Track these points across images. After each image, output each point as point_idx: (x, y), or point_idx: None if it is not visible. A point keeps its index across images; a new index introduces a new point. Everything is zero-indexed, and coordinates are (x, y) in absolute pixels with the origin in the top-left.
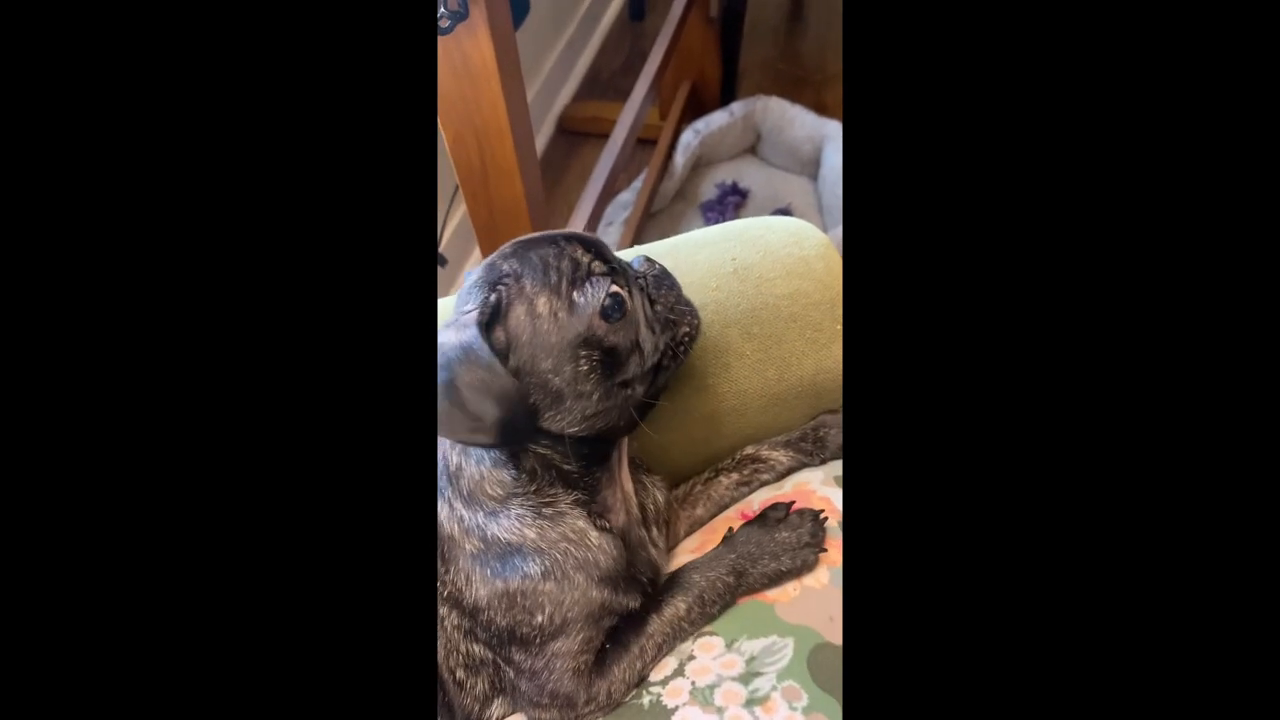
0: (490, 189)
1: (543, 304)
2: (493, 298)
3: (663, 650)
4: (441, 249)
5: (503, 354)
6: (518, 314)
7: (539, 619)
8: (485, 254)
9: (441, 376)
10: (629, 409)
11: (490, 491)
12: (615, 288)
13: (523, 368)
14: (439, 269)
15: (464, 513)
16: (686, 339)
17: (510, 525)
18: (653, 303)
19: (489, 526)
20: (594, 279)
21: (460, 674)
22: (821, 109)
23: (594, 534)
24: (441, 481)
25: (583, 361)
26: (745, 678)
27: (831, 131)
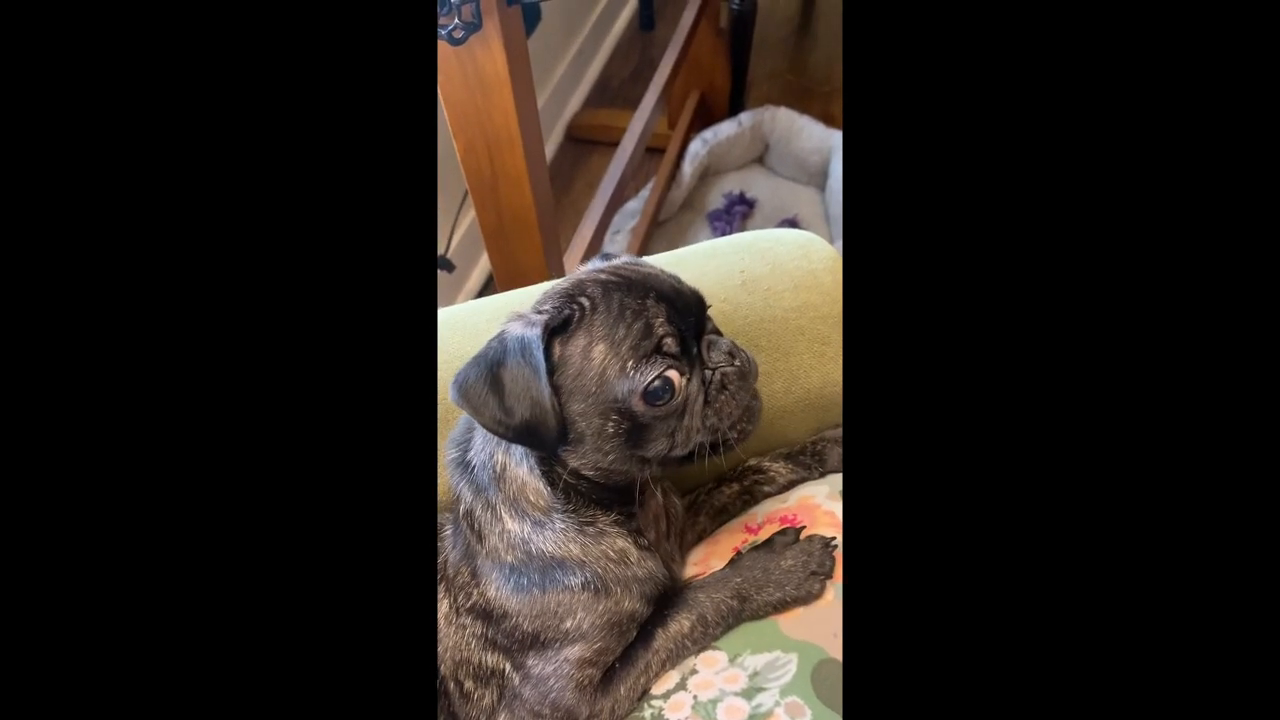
0: (499, 196)
1: (598, 352)
2: (566, 312)
3: (665, 666)
4: (449, 254)
5: (551, 367)
6: (576, 345)
7: (568, 624)
8: (493, 260)
9: (493, 358)
10: (643, 474)
11: (533, 500)
12: (672, 375)
13: (560, 393)
14: (446, 274)
15: (510, 525)
16: (724, 444)
17: (556, 538)
18: (709, 401)
19: (534, 540)
20: (655, 359)
21: (469, 685)
22: (829, 120)
23: (635, 552)
24: (484, 478)
25: (610, 424)
26: (748, 693)
27: (839, 143)
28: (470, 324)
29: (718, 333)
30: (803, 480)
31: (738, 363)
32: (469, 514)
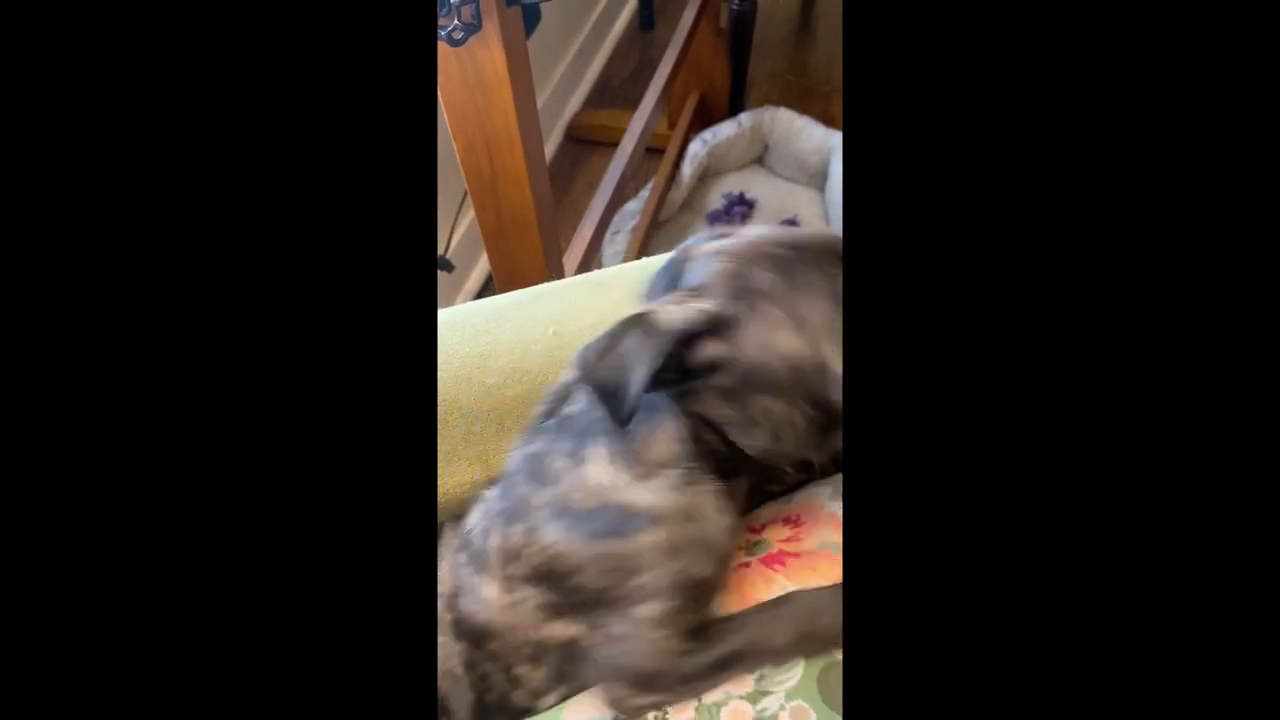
0: (499, 197)
1: (784, 341)
2: (731, 311)
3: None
4: (448, 254)
5: (696, 370)
6: (747, 339)
7: (638, 580)
8: (492, 261)
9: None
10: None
11: (657, 457)
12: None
13: (738, 392)
14: (445, 274)
15: (597, 472)
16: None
17: (656, 492)
18: None
19: (624, 491)
20: None
21: (521, 669)
22: (829, 121)
23: (718, 519)
24: (594, 428)
25: (800, 415)
26: (753, 696)
27: (839, 143)
28: (469, 324)
29: None
30: (803, 483)
31: None
32: (538, 458)
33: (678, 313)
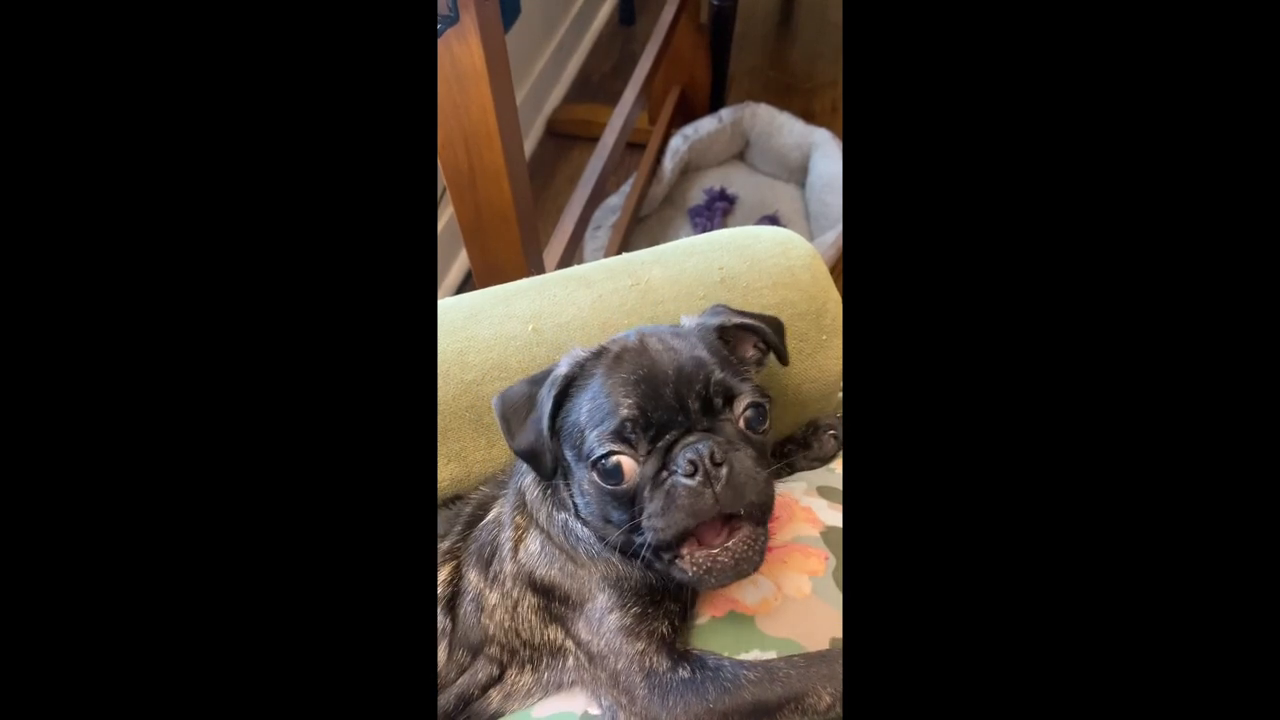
0: (478, 192)
1: (584, 410)
2: (567, 371)
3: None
4: None
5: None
6: (573, 398)
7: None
8: (471, 255)
9: (537, 380)
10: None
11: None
12: (621, 460)
13: (559, 435)
14: None
15: (548, 509)
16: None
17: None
18: (651, 502)
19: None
20: (610, 438)
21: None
22: (810, 117)
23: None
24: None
25: (588, 479)
26: None
27: (819, 139)
28: (448, 320)
29: (744, 440)
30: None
31: (697, 479)
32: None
33: (565, 363)
